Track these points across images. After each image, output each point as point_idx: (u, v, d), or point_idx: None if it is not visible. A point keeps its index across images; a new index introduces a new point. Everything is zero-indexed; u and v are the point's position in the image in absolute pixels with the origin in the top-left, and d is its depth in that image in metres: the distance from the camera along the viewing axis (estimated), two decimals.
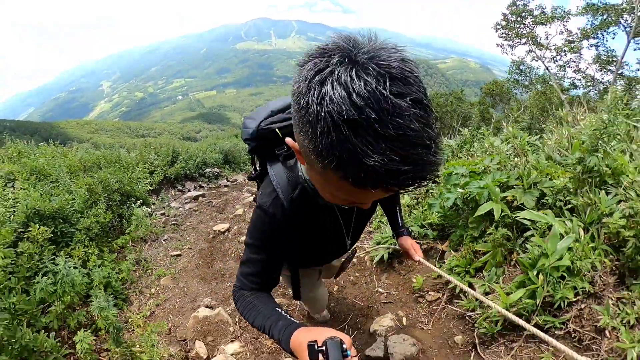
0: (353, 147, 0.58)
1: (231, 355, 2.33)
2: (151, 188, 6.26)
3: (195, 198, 6.53)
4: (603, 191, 1.98)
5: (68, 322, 2.30)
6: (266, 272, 1.16)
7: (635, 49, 12.14)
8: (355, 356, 0.82)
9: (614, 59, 12.41)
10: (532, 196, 2.21)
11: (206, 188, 7.57)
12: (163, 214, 5.49)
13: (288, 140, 0.85)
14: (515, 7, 13.74)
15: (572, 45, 12.73)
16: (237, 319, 2.70)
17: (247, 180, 8.03)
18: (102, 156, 5.51)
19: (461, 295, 2.34)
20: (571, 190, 2.14)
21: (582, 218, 1.99)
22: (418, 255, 1.60)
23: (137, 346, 2.25)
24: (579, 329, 1.77)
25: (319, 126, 0.60)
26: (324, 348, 0.78)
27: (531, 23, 13.66)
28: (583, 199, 1.99)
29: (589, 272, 1.83)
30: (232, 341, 2.51)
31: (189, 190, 7.19)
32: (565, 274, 1.84)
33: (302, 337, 0.88)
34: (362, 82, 0.56)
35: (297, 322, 0.98)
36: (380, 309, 2.69)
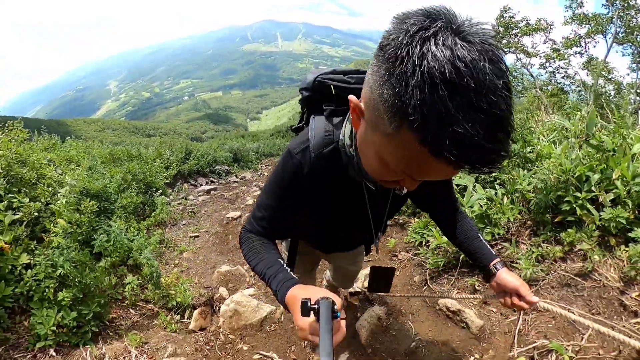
0: (445, 110, 0.56)
1: (247, 295, 2.90)
2: (167, 181, 6.83)
3: (208, 191, 7.09)
4: (524, 170, 2.73)
5: (118, 271, 2.86)
6: (275, 220, 1.16)
7: (623, 55, 12.73)
8: (343, 318, 0.86)
9: (606, 64, 12.97)
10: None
11: (217, 183, 8.13)
12: (179, 203, 6.05)
13: (351, 97, 0.80)
14: (502, 19, 14.38)
15: (559, 53, 13.26)
16: (252, 273, 3.31)
17: (255, 178, 8.61)
18: (126, 151, 6.09)
19: (419, 247, 3.08)
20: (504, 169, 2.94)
21: (506, 189, 2.72)
22: (532, 296, 1.15)
23: (172, 290, 2.82)
24: None
25: (413, 80, 0.57)
26: (316, 306, 0.81)
27: (518, 34, 14.30)
28: (507, 175, 2.76)
29: (506, 223, 2.53)
30: (248, 287, 3.13)
31: (201, 185, 7.76)
32: (486, 224, 2.58)
33: (297, 293, 0.91)
34: (466, 51, 0.56)
35: (296, 277, 1.02)
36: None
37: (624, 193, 2.00)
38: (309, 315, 0.82)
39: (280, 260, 1.08)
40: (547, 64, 13.62)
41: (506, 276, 1.17)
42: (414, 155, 0.66)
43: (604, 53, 12.86)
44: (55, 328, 2.17)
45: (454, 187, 2.41)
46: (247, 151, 11.24)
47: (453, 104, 0.55)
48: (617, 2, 11.69)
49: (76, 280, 2.39)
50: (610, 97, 13.07)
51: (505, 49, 14.51)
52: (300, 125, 1.28)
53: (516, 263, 2.33)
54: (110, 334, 2.44)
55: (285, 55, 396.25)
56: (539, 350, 1.88)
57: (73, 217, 2.78)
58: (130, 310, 2.72)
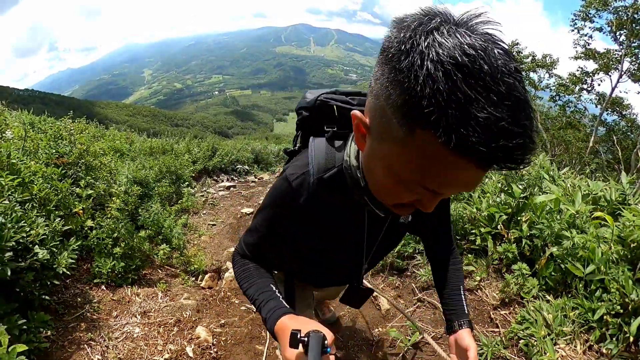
0: (464, 96, 0.51)
1: None
2: (193, 175, 7.82)
3: (228, 188, 8.05)
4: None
5: (153, 241, 3.81)
6: (264, 248, 1.12)
7: (638, 92, 12.82)
8: (333, 354, 0.82)
9: (621, 100, 13.08)
10: None
11: (236, 181, 9.09)
12: (202, 195, 7.01)
13: (354, 112, 0.74)
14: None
15: (567, 88, 13.56)
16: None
17: (272, 179, 9.54)
18: (162, 145, 7.12)
19: None
20: None
21: None
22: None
23: (191, 259, 3.76)
24: None
25: (422, 70, 0.53)
26: (306, 339, 0.78)
27: (524, 69, 14.73)
28: None
29: None
30: None
31: (222, 181, 8.74)
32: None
33: (287, 324, 0.88)
34: (472, 39, 0.53)
35: (288, 306, 0.97)
36: None
37: (526, 234, 2.66)
38: (297, 348, 0.79)
39: (272, 285, 1.04)
40: (557, 97, 13.93)
41: (465, 337, 1.14)
42: (432, 158, 0.59)
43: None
44: (108, 271, 3.08)
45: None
46: (267, 154, 12.21)
47: (471, 89, 0.51)
48: (624, 37, 11.92)
49: (125, 241, 3.32)
50: (627, 133, 13.37)
51: None
52: (295, 148, 1.17)
53: (419, 269, 3.07)
54: (144, 283, 3.35)
55: (316, 60, 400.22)
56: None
57: (124, 198, 3.72)
58: (159, 270, 3.64)
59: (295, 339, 0.78)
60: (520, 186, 2.94)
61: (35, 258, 2.12)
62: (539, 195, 2.83)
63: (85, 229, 3.27)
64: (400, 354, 2.37)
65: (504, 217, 2.81)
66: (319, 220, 1.04)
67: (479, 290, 2.70)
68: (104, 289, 3.04)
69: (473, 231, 2.96)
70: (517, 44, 14.94)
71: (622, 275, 1.79)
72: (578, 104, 13.83)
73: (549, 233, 2.31)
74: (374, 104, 0.69)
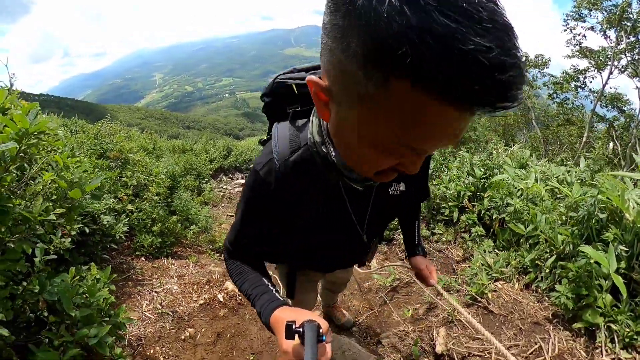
0: (441, 27, 0.40)
1: None
2: (211, 172, 8.51)
3: (242, 184, 8.73)
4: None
5: (183, 224, 4.47)
6: (247, 243, 1.07)
7: (636, 88, 12.71)
8: (329, 342, 0.82)
9: (620, 96, 13.12)
10: None
11: None
12: (220, 191, 7.69)
13: (309, 77, 0.64)
14: None
15: (562, 86, 13.70)
16: None
17: None
18: (182, 145, 7.82)
19: None
20: None
21: None
22: (432, 280, 1.36)
23: (216, 239, 4.40)
24: None
25: (384, 5, 0.42)
26: (301, 329, 0.78)
27: None
28: None
29: None
30: None
31: (237, 179, 9.42)
32: None
33: (282, 315, 0.87)
34: None
35: (281, 299, 0.96)
36: None
37: (486, 207, 3.23)
38: (293, 339, 0.79)
39: (265, 280, 1.02)
40: (555, 95, 14.08)
41: (415, 262, 1.41)
42: (414, 111, 0.48)
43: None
44: (148, 245, 3.72)
45: None
46: None
47: (448, 18, 0.40)
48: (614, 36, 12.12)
49: (162, 222, 3.97)
50: (627, 127, 13.54)
51: None
52: (268, 137, 1.09)
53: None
54: (176, 257, 3.99)
55: None
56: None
57: (159, 187, 4.38)
58: (188, 248, 4.29)
59: (290, 330, 0.79)
60: (481, 170, 3.55)
61: (102, 223, 2.77)
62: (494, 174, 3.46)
63: (127, 211, 3.93)
64: (381, 295, 2.95)
65: (469, 194, 3.42)
66: (297, 204, 0.97)
67: (445, 250, 3.29)
68: (144, 259, 3.68)
69: (443, 205, 3.57)
70: None
71: (551, 231, 2.35)
72: (575, 100, 13.94)
73: (501, 204, 2.89)
74: (330, 62, 0.57)
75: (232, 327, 2.66)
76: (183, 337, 2.50)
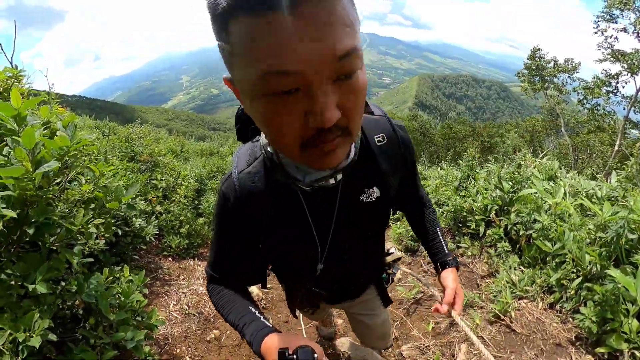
0: None
1: None
2: None
3: None
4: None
5: (210, 227, 4.56)
6: (224, 262, 1.04)
7: None
8: None
9: None
10: None
11: None
12: None
13: (224, 76, 0.70)
14: (534, 60, 14.94)
15: (592, 91, 13.33)
16: None
17: None
18: (209, 147, 8.00)
19: None
20: None
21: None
22: (454, 309, 1.12)
23: None
24: None
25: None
26: (294, 356, 0.76)
27: (548, 74, 14.71)
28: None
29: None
30: None
31: None
32: None
33: (273, 342, 0.84)
34: None
35: (271, 325, 0.92)
36: None
37: (513, 221, 3.15)
38: None
39: (251, 307, 0.98)
40: (585, 101, 13.73)
41: (446, 277, 1.16)
42: (241, 35, 0.55)
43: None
44: (176, 245, 3.82)
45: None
46: None
47: None
48: None
49: (189, 224, 4.07)
50: None
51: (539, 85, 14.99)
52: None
53: None
54: (202, 258, 4.08)
55: None
56: None
57: (186, 190, 4.50)
58: None
59: (283, 357, 0.76)
60: (509, 183, 3.48)
61: (134, 226, 2.88)
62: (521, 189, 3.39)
63: (156, 212, 4.06)
64: (404, 307, 2.94)
65: (496, 207, 3.36)
66: (260, 214, 0.95)
67: (470, 264, 3.23)
68: (171, 260, 3.79)
69: (470, 218, 3.51)
70: (539, 49, 15.09)
71: (579, 251, 2.30)
72: (607, 106, 13.52)
73: (528, 219, 2.84)
74: (224, 55, 0.63)
75: None
76: (208, 339, 2.56)
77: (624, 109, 13.07)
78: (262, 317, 0.95)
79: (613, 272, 2.03)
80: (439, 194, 4.37)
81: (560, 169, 4.35)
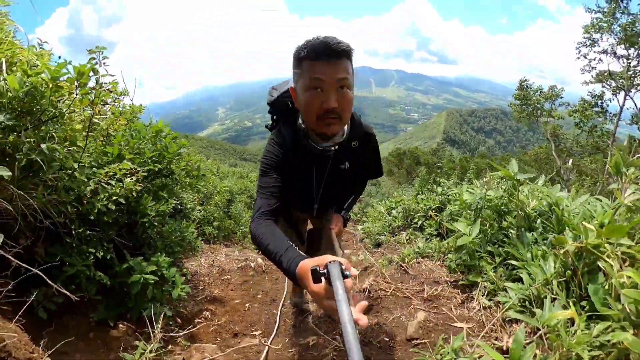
0: (309, 47, 1.27)
1: None
2: None
3: None
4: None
5: (240, 224, 6.11)
6: (272, 192, 1.50)
7: None
8: (354, 276, 0.90)
9: None
10: None
11: None
12: None
13: (290, 87, 1.50)
14: (521, 90, 16.02)
15: (585, 114, 13.51)
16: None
17: None
18: (240, 172, 9.71)
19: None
20: None
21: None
22: (335, 228, 1.84)
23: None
24: None
25: (299, 47, 1.32)
26: (325, 270, 0.85)
27: (534, 105, 15.60)
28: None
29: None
30: None
31: None
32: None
33: (306, 264, 1.01)
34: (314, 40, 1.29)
35: (303, 254, 1.11)
36: None
37: (446, 217, 4.55)
38: (320, 281, 0.87)
39: (288, 241, 1.20)
40: (582, 124, 13.79)
41: (335, 216, 1.92)
42: (307, 67, 1.30)
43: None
44: (208, 233, 5.33)
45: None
46: None
47: (305, 44, 1.30)
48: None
49: (220, 220, 5.64)
50: None
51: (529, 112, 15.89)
52: (272, 125, 1.89)
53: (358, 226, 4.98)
54: (226, 245, 5.57)
55: (377, 101, 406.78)
56: None
57: (221, 197, 6.11)
58: (236, 245, 5.89)
59: (316, 274, 0.87)
60: (440, 188, 4.79)
61: (196, 215, 4.45)
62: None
63: (194, 212, 5.63)
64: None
65: (433, 206, 4.57)
66: (293, 163, 1.59)
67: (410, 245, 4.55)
68: (203, 243, 5.26)
69: (416, 215, 4.83)
70: (526, 80, 16.29)
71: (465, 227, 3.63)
72: (604, 126, 13.55)
73: (452, 212, 3.91)
74: (294, 81, 1.42)
75: (255, 279, 4.14)
76: (223, 279, 3.96)
77: (617, 126, 13.33)
78: (297, 249, 1.17)
79: (457, 226, 2.92)
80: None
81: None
